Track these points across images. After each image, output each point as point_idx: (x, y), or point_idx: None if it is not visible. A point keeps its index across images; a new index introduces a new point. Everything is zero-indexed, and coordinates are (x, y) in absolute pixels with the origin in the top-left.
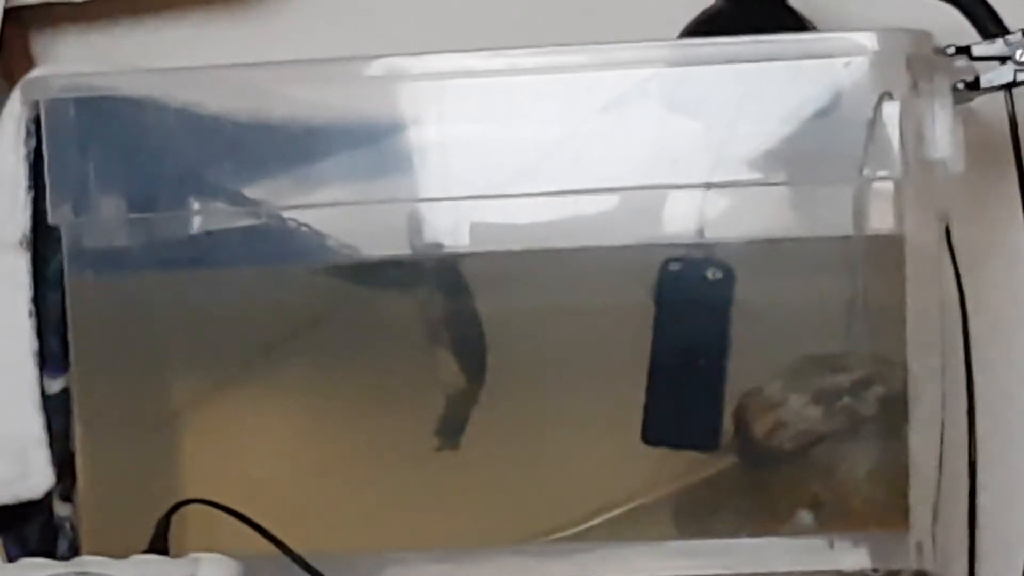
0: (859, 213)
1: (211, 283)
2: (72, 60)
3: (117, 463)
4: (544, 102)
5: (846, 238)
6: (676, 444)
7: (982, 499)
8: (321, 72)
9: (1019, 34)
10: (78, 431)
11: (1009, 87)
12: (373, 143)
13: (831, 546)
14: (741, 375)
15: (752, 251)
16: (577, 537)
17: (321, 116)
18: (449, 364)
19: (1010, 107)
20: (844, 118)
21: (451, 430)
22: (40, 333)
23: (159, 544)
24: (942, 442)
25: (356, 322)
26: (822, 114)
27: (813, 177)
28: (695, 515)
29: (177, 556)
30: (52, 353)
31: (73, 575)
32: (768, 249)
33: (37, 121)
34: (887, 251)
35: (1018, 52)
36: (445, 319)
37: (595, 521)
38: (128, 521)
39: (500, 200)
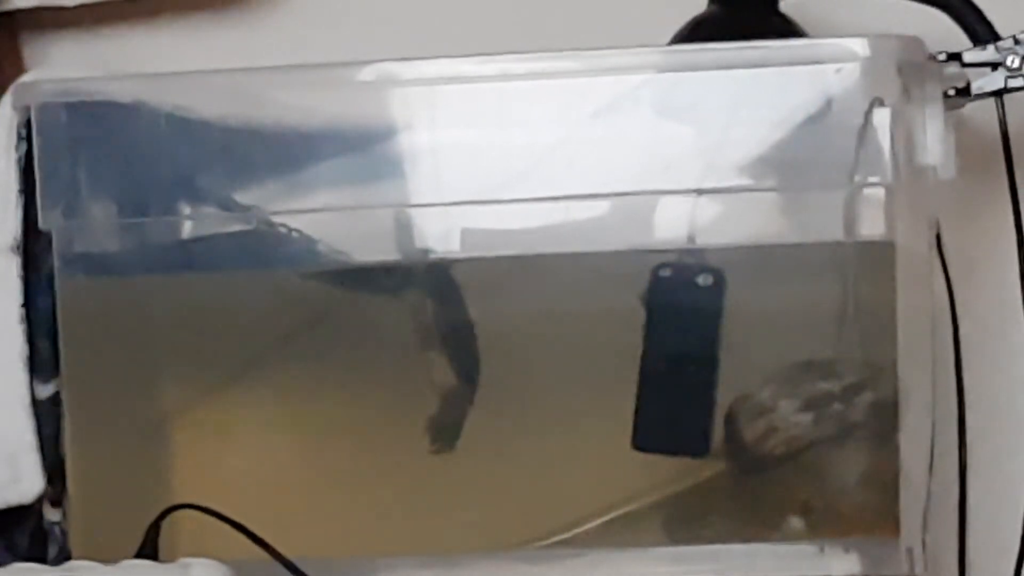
0: (850, 219)
1: (202, 288)
2: (63, 65)
3: (107, 468)
4: (536, 108)
5: (837, 244)
6: (667, 450)
7: (972, 505)
8: (312, 77)
9: (1010, 40)
10: (68, 436)
11: (1000, 93)
12: (364, 148)
13: (821, 552)
14: (732, 381)
15: (743, 257)
16: (568, 543)
17: (312, 121)
18: (440, 370)
19: (1001, 113)
20: (835, 124)
21: (443, 436)
22: (31, 338)
23: (149, 549)
24: (932, 448)
25: (347, 327)
26: (813, 120)
27: (804, 183)
28: (686, 521)
29: (167, 561)
30: (43, 358)
31: None
32: (759, 255)
33: (28, 126)
34: (878, 257)
35: (1009, 58)
36: (436, 324)
37: (586, 527)
38: (118, 526)
39: (491, 206)
